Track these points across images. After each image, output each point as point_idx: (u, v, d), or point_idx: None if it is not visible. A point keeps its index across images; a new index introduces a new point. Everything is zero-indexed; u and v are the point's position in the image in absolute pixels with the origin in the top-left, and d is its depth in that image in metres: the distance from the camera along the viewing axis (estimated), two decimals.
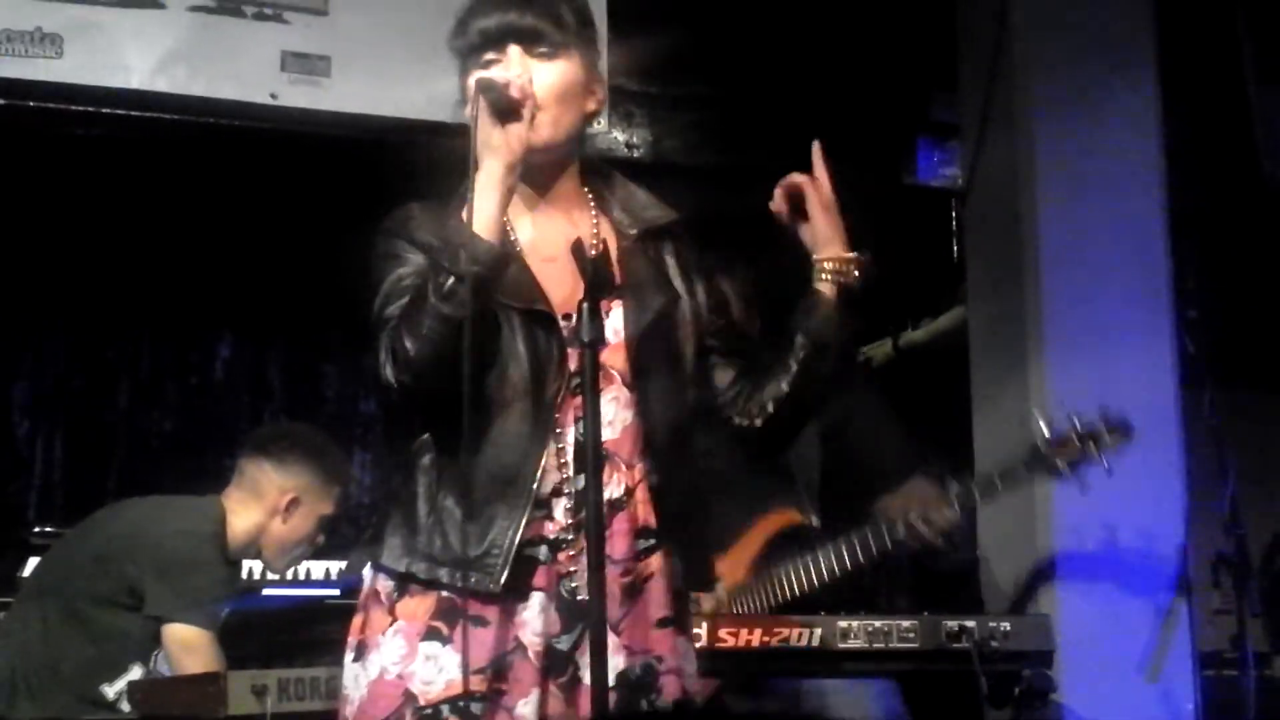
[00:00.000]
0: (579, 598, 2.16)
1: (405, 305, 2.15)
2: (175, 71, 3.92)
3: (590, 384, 2.03)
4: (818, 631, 3.33)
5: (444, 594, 2.16)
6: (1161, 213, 4.17)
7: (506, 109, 2.13)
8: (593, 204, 2.36)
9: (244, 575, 4.15)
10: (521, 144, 2.14)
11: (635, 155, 4.50)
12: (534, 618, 2.16)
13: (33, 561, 3.93)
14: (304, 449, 3.75)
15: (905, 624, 3.37)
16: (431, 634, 2.15)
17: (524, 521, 2.15)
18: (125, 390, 5.21)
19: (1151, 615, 3.87)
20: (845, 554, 3.52)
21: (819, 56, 4.62)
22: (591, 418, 2.03)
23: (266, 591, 4.13)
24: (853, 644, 3.34)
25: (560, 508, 2.19)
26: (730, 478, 3.62)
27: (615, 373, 2.24)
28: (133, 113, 3.94)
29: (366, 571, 2.28)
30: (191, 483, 4.16)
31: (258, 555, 3.76)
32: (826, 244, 2.39)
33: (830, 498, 3.79)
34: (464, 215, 2.12)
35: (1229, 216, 4.49)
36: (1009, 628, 3.40)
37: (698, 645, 3.17)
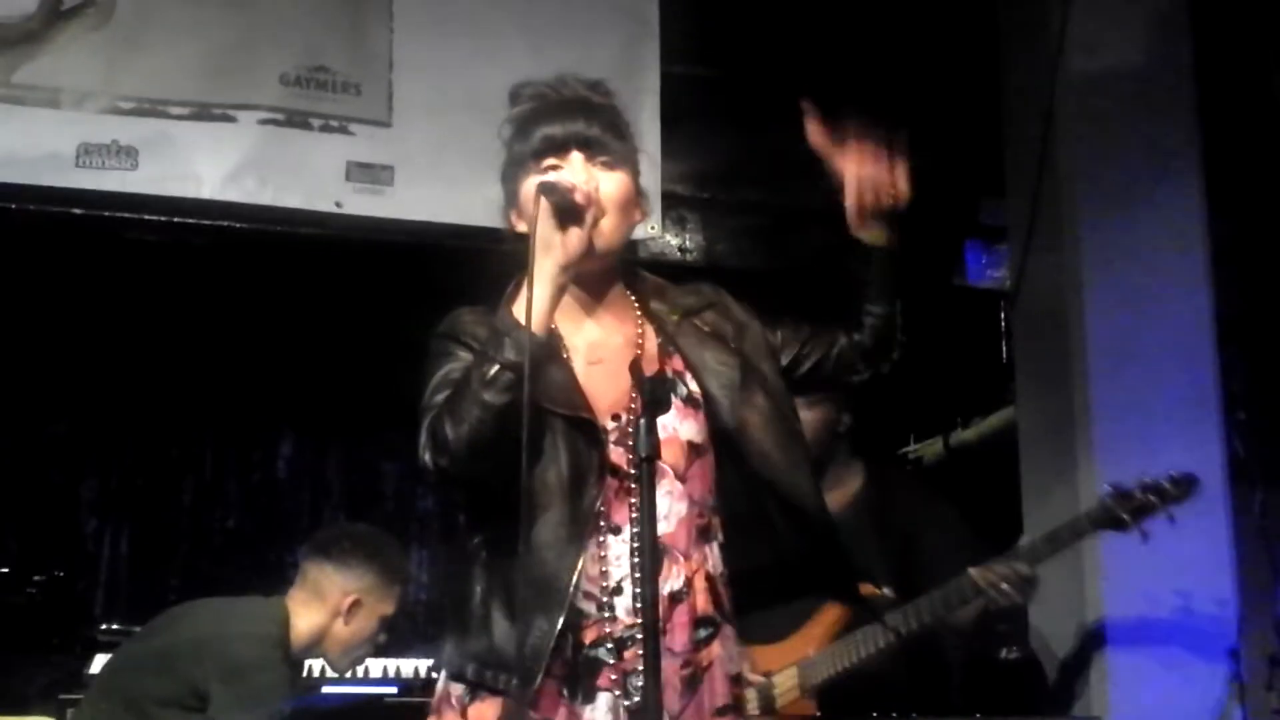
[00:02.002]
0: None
1: (450, 392, 2.20)
2: (245, 182, 4.04)
3: (648, 499, 2.04)
4: None
5: (508, 698, 2.17)
6: (1208, 315, 4.19)
7: (568, 212, 2.19)
8: (637, 308, 2.41)
9: (304, 672, 4.21)
10: (580, 246, 2.20)
11: (688, 259, 4.58)
12: (602, 717, 2.18)
13: (99, 658, 3.98)
14: (365, 550, 3.79)
15: None
16: None
17: (559, 628, 2.16)
18: (189, 488, 5.32)
19: (1204, 717, 3.85)
20: (915, 615, 3.56)
21: None
22: (647, 537, 2.03)
23: (326, 689, 4.17)
24: None
25: (621, 606, 2.20)
26: (800, 565, 3.69)
27: (667, 466, 2.26)
28: (203, 221, 4.07)
29: (441, 674, 2.31)
30: (253, 579, 4.24)
31: (321, 655, 3.81)
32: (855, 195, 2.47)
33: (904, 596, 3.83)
34: (513, 308, 2.18)
35: (1276, 318, 4.51)
36: None
37: None
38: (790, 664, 3.67)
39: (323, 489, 5.51)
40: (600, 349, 2.33)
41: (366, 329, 4.89)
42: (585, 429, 2.24)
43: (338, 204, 4.11)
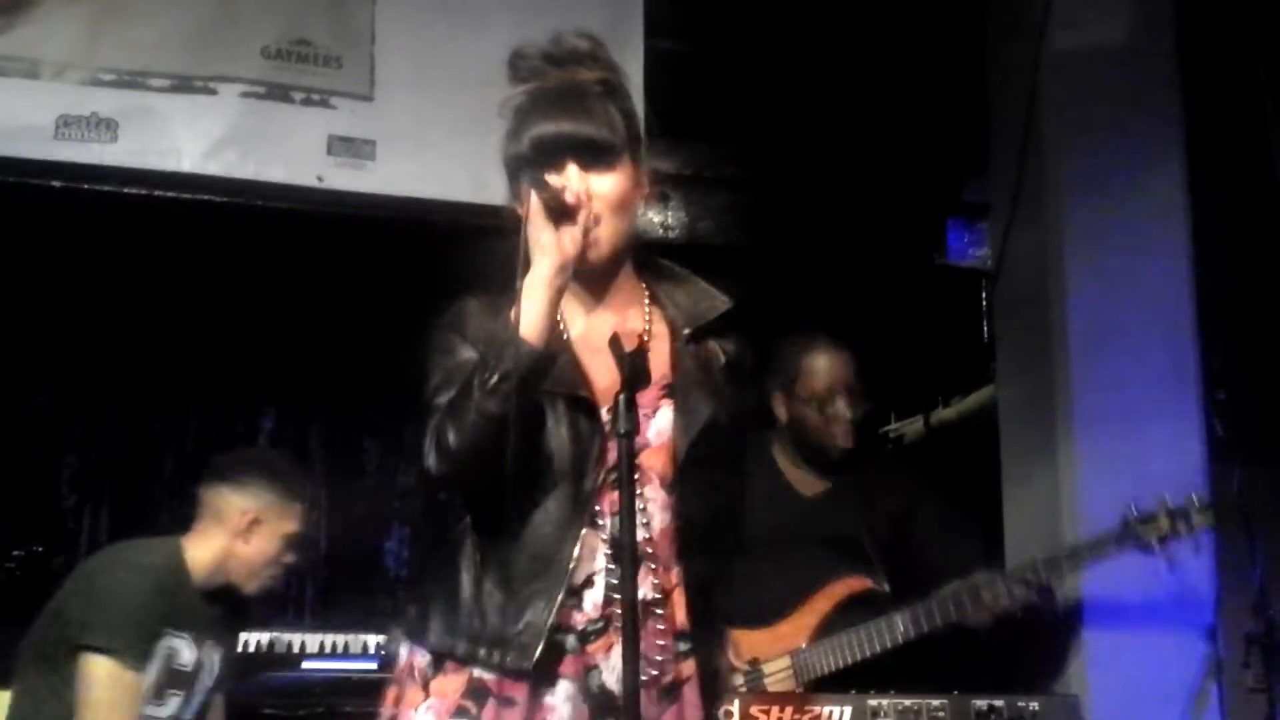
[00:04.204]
0: (607, 689, 2.18)
1: (452, 397, 2.18)
2: (225, 155, 4.03)
3: (626, 475, 2.04)
4: (848, 710, 3.37)
5: (475, 673, 2.19)
6: (1189, 294, 4.20)
7: (560, 211, 2.15)
8: (647, 298, 2.37)
9: (285, 648, 4.21)
10: (575, 246, 2.16)
11: (670, 236, 4.57)
12: (561, 704, 2.18)
13: None
14: (261, 470, 3.77)
15: (935, 703, 3.41)
16: (460, 712, 2.18)
17: (558, 604, 2.17)
18: (171, 462, 5.30)
19: (1182, 695, 3.87)
20: (921, 619, 3.59)
21: (852, 140, 4.71)
22: (627, 508, 2.03)
23: (306, 664, 4.18)
24: None
25: (589, 599, 2.21)
26: (794, 546, 3.72)
27: (654, 474, 2.26)
28: (184, 195, 4.05)
29: (403, 646, 2.31)
30: None
31: (230, 579, 3.73)
32: None
33: (894, 577, 3.85)
34: (513, 314, 2.13)
35: (1257, 298, 4.53)
36: (1038, 707, 3.43)
37: None
38: (782, 653, 3.69)
39: (304, 463, 5.48)
40: (600, 338, 2.25)
41: (348, 304, 4.88)
42: (585, 410, 2.23)
43: (319, 178, 4.10)
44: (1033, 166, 4.33)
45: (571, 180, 2.22)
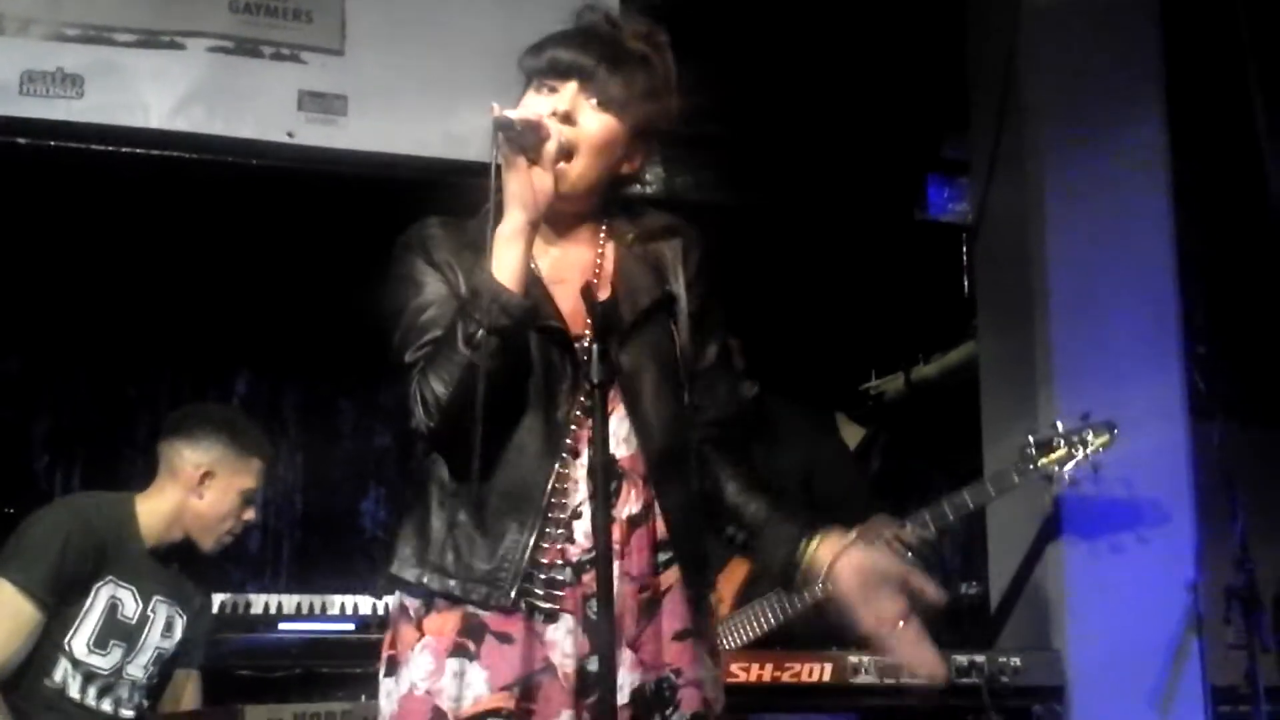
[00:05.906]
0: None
1: (432, 350, 2.14)
2: (194, 111, 3.98)
3: (600, 422, 2.03)
4: (829, 666, 3.37)
5: (469, 609, 2.15)
6: (1170, 249, 4.19)
7: (526, 146, 2.10)
8: (604, 231, 2.32)
9: (261, 609, 4.18)
10: (546, 196, 2.12)
11: (648, 193, 4.53)
12: (563, 639, 2.15)
13: None
14: (215, 423, 3.72)
15: None
16: (458, 650, 2.15)
17: (534, 537, 2.14)
18: (144, 424, 5.25)
19: (1163, 650, 3.88)
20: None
21: (833, 97, 4.67)
22: (600, 451, 2.02)
23: (282, 626, 4.15)
24: (864, 679, 3.38)
25: (580, 529, 2.17)
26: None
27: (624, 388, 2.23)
28: (152, 151, 4.00)
29: (397, 592, 2.26)
30: None
31: (187, 536, 3.66)
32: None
33: None
34: (490, 264, 2.10)
35: (1237, 253, 4.51)
36: (1019, 663, 3.43)
37: None
38: None
39: (279, 426, 5.45)
40: (560, 270, 2.25)
41: (321, 263, 4.82)
42: (557, 339, 2.20)
43: (290, 134, 4.05)
44: (1013, 123, 4.32)
45: (564, 96, 2.20)
